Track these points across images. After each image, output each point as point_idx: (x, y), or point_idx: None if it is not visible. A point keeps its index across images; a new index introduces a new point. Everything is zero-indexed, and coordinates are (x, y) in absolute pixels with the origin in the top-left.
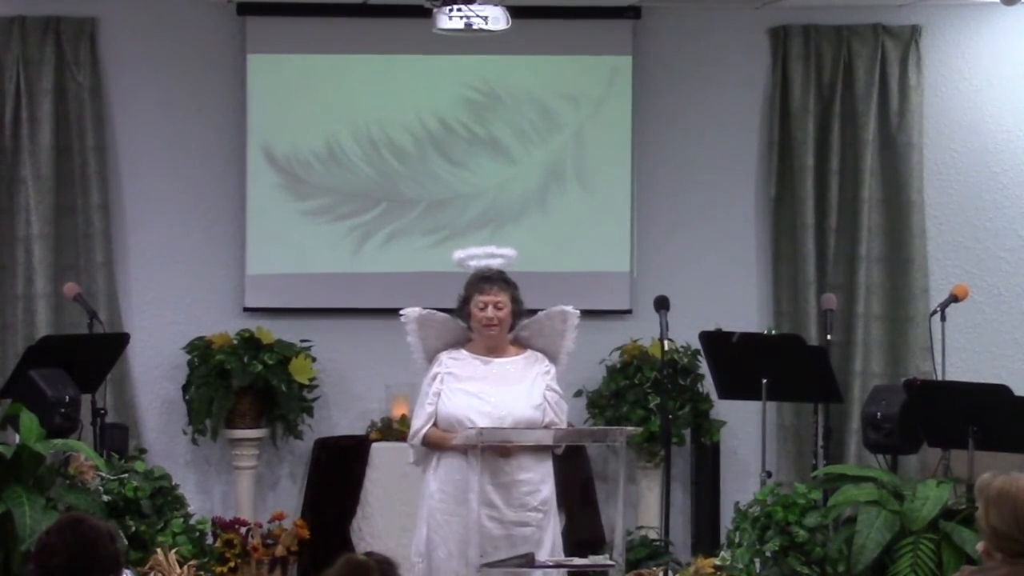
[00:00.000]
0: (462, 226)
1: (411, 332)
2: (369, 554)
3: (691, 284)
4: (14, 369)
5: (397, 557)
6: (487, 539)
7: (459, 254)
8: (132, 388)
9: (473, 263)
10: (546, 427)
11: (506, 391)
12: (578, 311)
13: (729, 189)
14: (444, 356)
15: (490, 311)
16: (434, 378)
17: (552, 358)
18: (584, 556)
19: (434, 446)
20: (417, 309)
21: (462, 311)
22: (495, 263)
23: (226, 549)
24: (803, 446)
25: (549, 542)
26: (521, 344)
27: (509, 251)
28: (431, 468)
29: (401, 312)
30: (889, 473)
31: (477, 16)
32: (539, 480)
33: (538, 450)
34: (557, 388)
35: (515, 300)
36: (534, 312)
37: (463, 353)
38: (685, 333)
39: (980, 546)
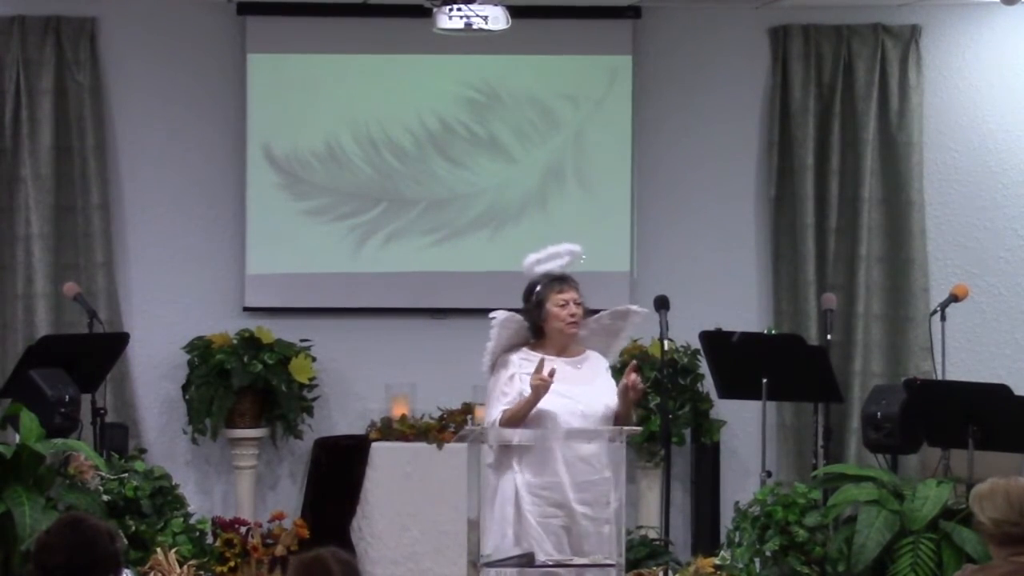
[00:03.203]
0: (462, 226)
1: (494, 336)
2: (318, 549)
3: (691, 284)
4: (14, 369)
5: (397, 557)
6: (583, 536)
7: (533, 257)
8: (132, 388)
9: (550, 264)
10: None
11: (590, 390)
12: (644, 310)
13: (729, 189)
14: (515, 357)
15: (572, 307)
16: (511, 378)
17: (604, 353)
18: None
19: (513, 423)
20: (504, 312)
21: (537, 313)
22: (562, 263)
23: (226, 549)
24: (803, 446)
25: (617, 539)
26: (580, 344)
27: (576, 248)
28: (509, 472)
29: (491, 315)
30: (889, 473)
31: (477, 16)
32: (616, 482)
33: (617, 450)
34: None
35: (582, 298)
36: (596, 311)
37: (534, 354)
38: (685, 333)
39: None
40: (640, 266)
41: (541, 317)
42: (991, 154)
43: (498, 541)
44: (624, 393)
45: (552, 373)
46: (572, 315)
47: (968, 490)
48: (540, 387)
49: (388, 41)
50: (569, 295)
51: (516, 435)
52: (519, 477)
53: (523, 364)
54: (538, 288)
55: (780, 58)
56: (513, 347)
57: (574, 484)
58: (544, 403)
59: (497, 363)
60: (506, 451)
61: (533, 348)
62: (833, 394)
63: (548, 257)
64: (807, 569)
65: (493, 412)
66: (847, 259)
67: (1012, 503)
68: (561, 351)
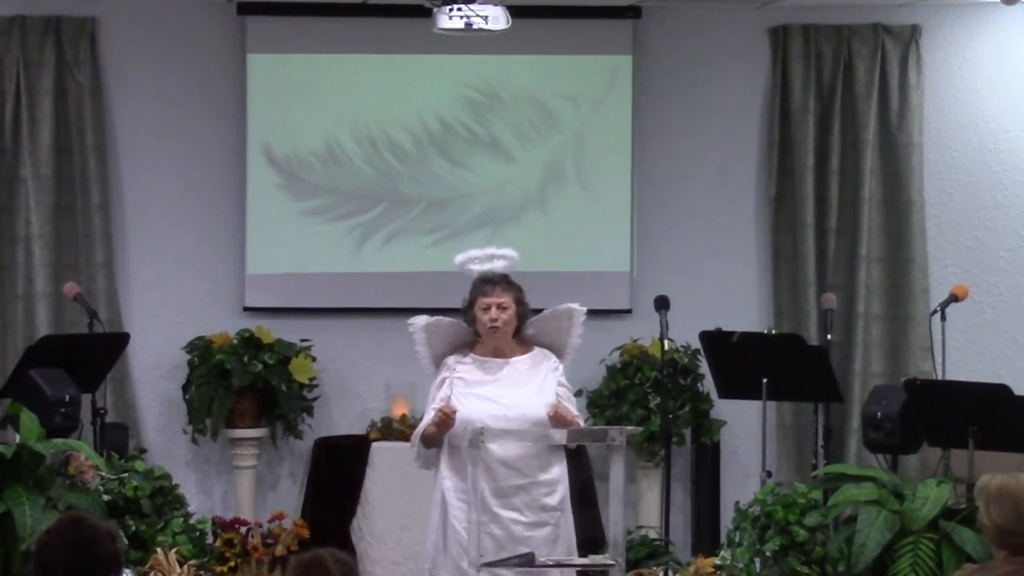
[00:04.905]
0: (462, 226)
1: (419, 341)
2: (316, 549)
3: (691, 284)
4: (14, 369)
5: (397, 557)
6: (509, 540)
7: (459, 257)
8: (132, 388)
9: (475, 267)
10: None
11: (519, 392)
12: (584, 308)
13: (729, 189)
14: (451, 360)
15: (493, 312)
16: (441, 383)
17: (559, 354)
18: (584, 556)
19: (430, 441)
20: (424, 317)
21: (467, 314)
22: (497, 265)
23: (226, 549)
24: (803, 446)
25: (565, 541)
26: (527, 343)
27: (509, 252)
28: (440, 475)
29: (409, 321)
30: (889, 473)
31: (477, 16)
32: (556, 480)
33: (555, 450)
34: (566, 383)
35: (519, 302)
36: (540, 311)
37: (471, 357)
38: (685, 333)
39: None
40: (640, 266)
41: (470, 317)
42: (991, 154)
43: (426, 545)
44: (551, 423)
45: (454, 411)
46: (493, 319)
47: (968, 490)
48: (438, 425)
49: (388, 41)
50: (492, 299)
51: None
52: (447, 482)
53: (458, 368)
54: (470, 290)
55: (780, 58)
56: (456, 348)
57: (496, 489)
58: (464, 409)
59: (440, 366)
60: (436, 456)
61: (471, 349)
62: (833, 394)
63: (470, 260)
64: (807, 569)
65: (420, 425)
66: (847, 259)
67: (1020, 513)
68: (496, 352)
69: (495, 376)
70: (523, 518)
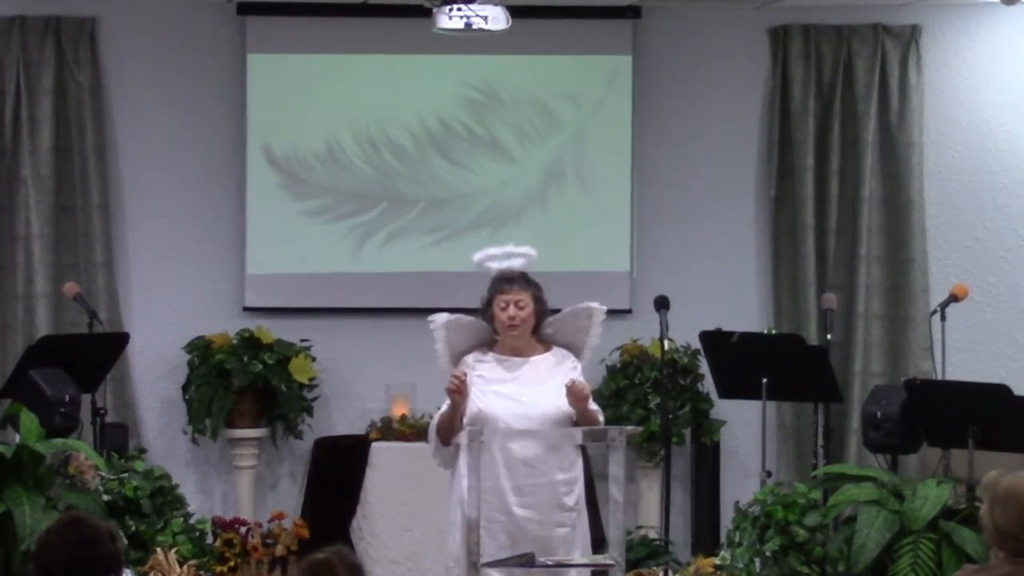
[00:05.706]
0: (462, 226)
1: (439, 338)
2: (325, 551)
3: (691, 284)
4: (14, 369)
5: (397, 557)
6: (528, 541)
7: (478, 255)
8: (132, 388)
9: (493, 264)
10: (576, 424)
11: (538, 390)
12: (604, 308)
13: (729, 189)
14: (470, 358)
15: (511, 310)
16: None
17: (576, 354)
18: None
19: (446, 429)
20: (444, 315)
21: (486, 313)
22: (515, 263)
23: (226, 549)
24: (803, 446)
25: (581, 541)
26: (546, 342)
27: (527, 249)
28: (459, 475)
29: (429, 319)
30: (889, 473)
31: (477, 16)
32: (574, 480)
33: (574, 450)
34: (584, 383)
35: (537, 300)
36: (558, 311)
37: (489, 355)
38: (685, 333)
39: None
40: (640, 266)
41: (488, 315)
42: (991, 154)
43: (449, 543)
44: (568, 398)
45: (464, 375)
46: (511, 317)
47: (968, 490)
48: (452, 392)
49: (388, 41)
50: (511, 296)
51: (461, 436)
52: (464, 481)
53: (476, 366)
54: (489, 288)
55: (780, 58)
56: (475, 347)
57: (514, 488)
58: (485, 406)
59: (458, 364)
60: (455, 453)
61: (491, 347)
62: (833, 394)
63: (488, 258)
64: (807, 569)
65: (434, 421)
66: (847, 259)
67: None
68: (515, 351)
69: (515, 374)
70: (539, 517)
